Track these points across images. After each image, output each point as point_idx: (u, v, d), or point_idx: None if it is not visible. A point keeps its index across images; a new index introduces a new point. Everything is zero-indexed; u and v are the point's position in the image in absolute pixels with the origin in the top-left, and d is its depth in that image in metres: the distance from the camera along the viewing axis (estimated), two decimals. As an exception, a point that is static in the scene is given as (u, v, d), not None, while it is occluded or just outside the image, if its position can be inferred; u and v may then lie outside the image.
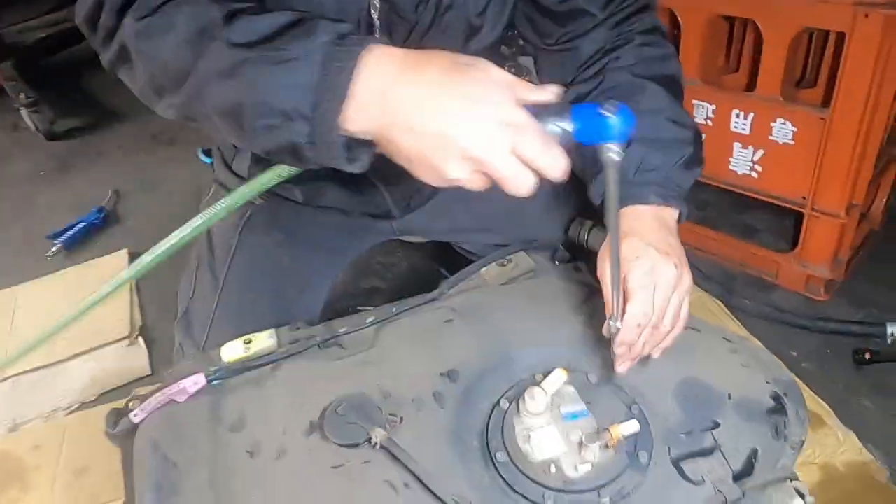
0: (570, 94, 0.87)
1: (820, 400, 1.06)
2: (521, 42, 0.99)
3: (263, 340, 0.84)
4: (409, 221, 1.07)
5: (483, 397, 0.74)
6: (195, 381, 0.76)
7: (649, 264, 0.71)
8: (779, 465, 0.71)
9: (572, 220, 0.96)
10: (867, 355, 1.21)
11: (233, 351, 0.83)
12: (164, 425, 0.73)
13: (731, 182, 1.46)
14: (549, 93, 0.60)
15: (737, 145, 1.39)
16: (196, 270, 1.02)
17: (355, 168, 0.63)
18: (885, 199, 1.59)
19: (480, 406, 0.74)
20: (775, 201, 1.42)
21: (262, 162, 0.98)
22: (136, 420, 0.75)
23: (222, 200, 0.70)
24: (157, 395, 0.76)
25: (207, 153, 2.27)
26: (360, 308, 1.52)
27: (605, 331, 0.73)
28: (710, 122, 1.41)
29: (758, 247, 1.50)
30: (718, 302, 1.31)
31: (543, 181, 0.59)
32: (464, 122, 0.56)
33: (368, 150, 0.63)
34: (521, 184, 0.58)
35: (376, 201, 1.00)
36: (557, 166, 0.58)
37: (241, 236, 1.00)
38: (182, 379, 0.77)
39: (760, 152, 1.36)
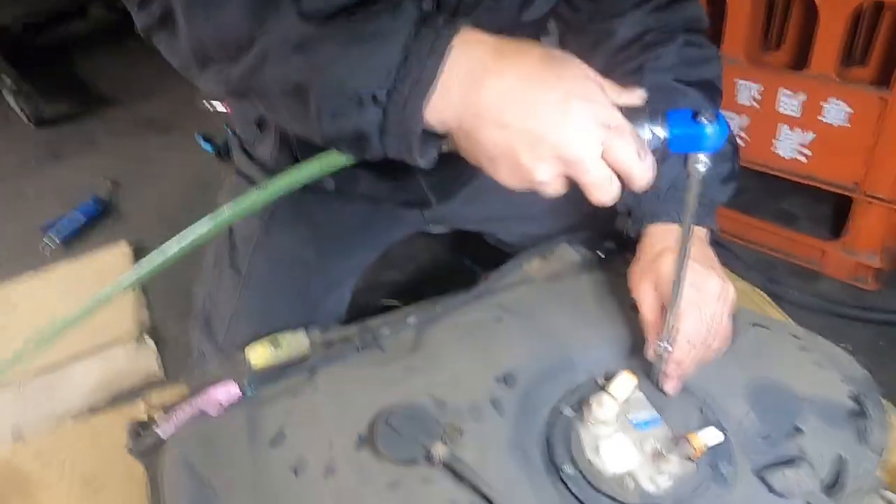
0: None
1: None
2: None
3: (294, 341, 0.78)
4: (442, 210, 1.00)
5: (543, 403, 0.69)
6: (228, 392, 0.69)
7: (696, 280, 0.67)
8: (864, 472, 0.66)
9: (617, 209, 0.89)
10: (925, 348, 1.17)
11: (261, 353, 0.77)
12: (196, 441, 0.67)
13: (775, 166, 1.39)
14: (636, 96, 0.56)
15: (783, 127, 1.32)
16: (215, 266, 0.95)
17: (424, 163, 0.57)
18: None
19: (541, 413, 0.68)
20: (824, 186, 1.35)
21: (286, 149, 0.91)
22: (163, 435, 0.68)
23: (256, 190, 0.62)
24: (185, 406, 0.69)
25: (207, 139, 2.18)
26: (383, 302, 1.46)
27: (649, 353, 0.69)
28: (755, 104, 1.34)
29: (800, 234, 1.43)
30: (761, 292, 1.25)
31: None
32: (564, 120, 0.51)
33: (439, 143, 0.57)
34: (608, 191, 0.53)
35: (412, 188, 0.93)
36: (648, 175, 0.53)
37: (264, 230, 0.93)
38: (211, 387, 0.70)
39: (810, 135, 1.30)
